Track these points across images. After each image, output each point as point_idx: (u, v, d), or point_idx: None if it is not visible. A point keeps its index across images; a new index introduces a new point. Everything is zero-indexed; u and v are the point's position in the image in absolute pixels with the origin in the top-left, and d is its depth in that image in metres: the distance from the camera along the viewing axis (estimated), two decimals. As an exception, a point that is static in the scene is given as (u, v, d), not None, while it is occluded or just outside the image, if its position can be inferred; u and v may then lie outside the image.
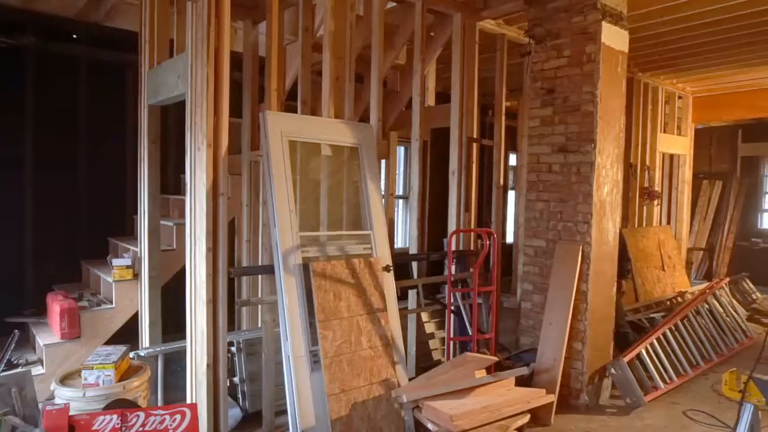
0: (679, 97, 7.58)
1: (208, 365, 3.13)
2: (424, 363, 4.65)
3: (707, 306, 5.48)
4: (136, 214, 4.52)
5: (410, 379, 3.66)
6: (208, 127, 3.11)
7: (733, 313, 5.82)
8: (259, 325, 4.07)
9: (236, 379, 3.84)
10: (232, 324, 4.69)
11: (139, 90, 4.22)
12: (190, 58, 3.20)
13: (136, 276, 4.21)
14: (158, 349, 3.69)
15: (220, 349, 3.17)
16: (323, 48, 3.76)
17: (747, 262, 8.58)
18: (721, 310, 5.61)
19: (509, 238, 7.65)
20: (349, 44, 3.82)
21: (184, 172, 3.42)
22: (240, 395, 3.84)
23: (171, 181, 5.35)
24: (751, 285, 7.78)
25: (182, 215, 3.88)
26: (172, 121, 5.08)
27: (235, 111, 4.41)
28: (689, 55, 5.82)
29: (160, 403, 3.58)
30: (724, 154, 9.42)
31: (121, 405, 2.77)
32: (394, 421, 3.35)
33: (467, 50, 4.55)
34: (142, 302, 4.12)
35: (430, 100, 5.36)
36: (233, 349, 3.87)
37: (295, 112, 3.99)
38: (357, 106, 4.73)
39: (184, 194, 3.54)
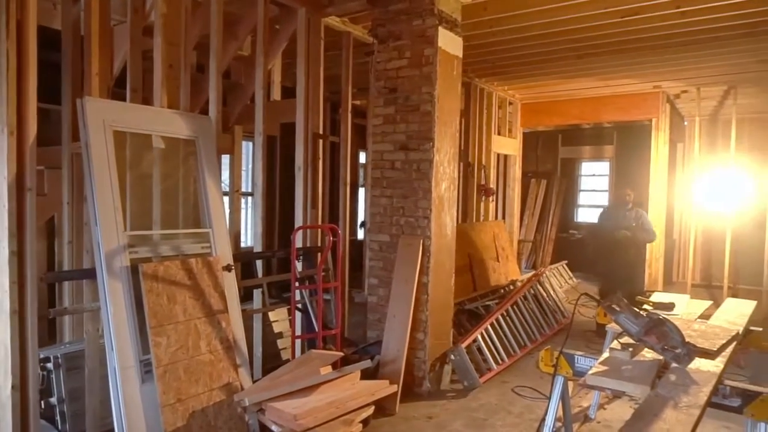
0: (510, 103, 8.32)
1: (13, 387, 2.72)
2: (273, 363, 4.54)
3: (533, 292, 6.09)
4: None
5: (255, 381, 3.54)
6: (9, 112, 2.70)
7: (554, 296, 6.54)
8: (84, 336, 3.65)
9: (53, 400, 3.39)
10: (53, 337, 4.16)
11: None
12: (-15, 30, 2.75)
13: None
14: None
15: (29, 367, 2.78)
16: (154, 32, 3.48)
17: (566, 251, 9.71)
18: (544, 294, 6.27)
19: (360, 235, 7.81)
20: (185, 30, 3.57)
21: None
22: (59, 417, 3.40)
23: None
24: (569, 271, 8.83)
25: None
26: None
27: (56, 97, 3.92)
28: (517, 64, 6.39)
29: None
30: (548, 156, 10.55)
31: None
32: (237, 426, 3.21)
33: (312, 46, 4.52)
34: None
35: (277, 95, 5.24)
36: (50, 365, 3.41)
37: (125, 100, 3.63)
38: (198, 98, 4.46)
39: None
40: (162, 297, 3.04)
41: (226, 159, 5.48)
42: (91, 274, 3.02)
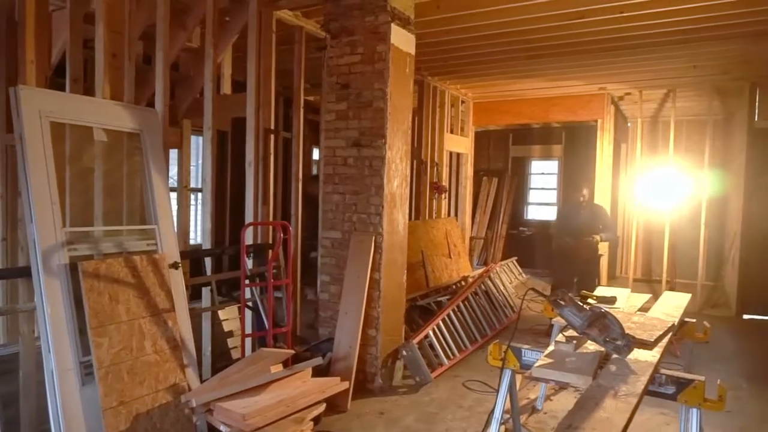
0: (462, 102, 8.44)
1: (-61, 392, 2.56)
2: (224, 363, 4.45)
3: (484, 288, 6.20)
4: None
5: (204, 381, 3.46)
6: (-67, 101, 2.53)
7: (504, 291, 6.69)
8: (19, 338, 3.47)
9: (-16, 406, 3.21)
10: (-15, 340, 3.94)
11: None
12: None
13: None
14: None
15: (-45, 372, 2.61)
16: (96, 20, 3.33)
17: (516, 248, 9.94)
18: (494, 290, 6.40)
19: (314, 232, 7.74)
20: (129, 18, 3.44)
21: None
22: (-9, 423, 3.22)
23: None
24: (519, 267, 9.05)
25: None
26: None
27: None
28: (469, 63, 6.48)
29: None
30: (499, 154, 10.76)
31: None
32: (185, 428, 3.13)
33: (264, 39, 4.44)
34: None
35: (227, 88, 5.12)
36: (-21, 370, 3.23)
37: (65, 90, 3.47)
38: (144, 90, 4.32)
39: None
40: (104, 296, 2.93)
41: (174, 154, 5.33)
42: (26, 272, 2.87)
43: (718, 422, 3.54)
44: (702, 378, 2.26)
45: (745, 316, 6.98)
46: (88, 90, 3.57)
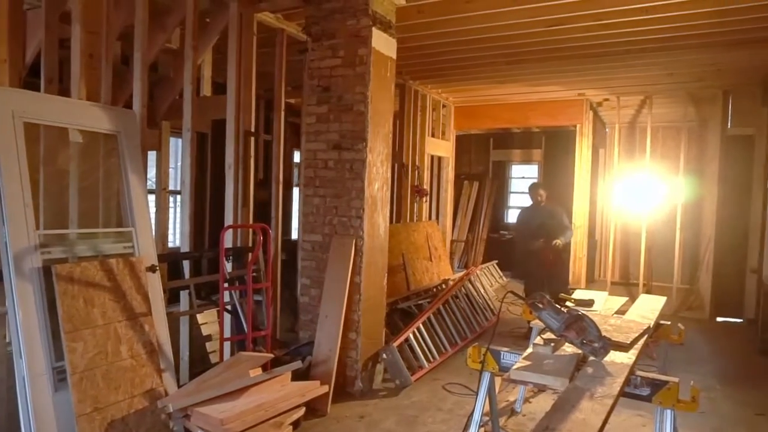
0: (444, 106, 8.49)
1: None
2: (202, 367, 4.40)
3: (464, 291, 6.23)
4: None
5: (181, 386, 3.42)
6: None
7: (485, 294, 6.73)
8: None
9: (-46, 412, 3.13)
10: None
11: None
12: None
13: None
14: None
15: None
16: (72, 19, 3.28)
17: (497, 251, 10.00)
18: (474, 293, 6.43)
19: (295, 235, 7.70)
20: (106, 18, 3.39)
21: None
22: (-40, 431, 3.14)
23: None
24: (499, 270, 9.11)
25: None
26: None
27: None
28: (450, 68, 6.52)
29: None
30: (480, 158, 10.85)
31: None
32: (161, 433, 3.09)
33: (245, 41, 4.41)
34: None
35: (207, 90, 5.08)
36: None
37: (40, 90, 3.41)
38: (123, 91, 4.26)
39: None
40: (78, 300, 2.87)
41: (153, 156, 5.26)
42: (-2, 275, 2.81)
43: (692, 423, 3.60)
44: (676, 380, 2.31)
45: (719, 319, 7.13)
46: (64, 91, 3.51)
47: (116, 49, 4.31)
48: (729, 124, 7.20)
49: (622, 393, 2.21)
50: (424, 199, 7.72)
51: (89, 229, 3.22)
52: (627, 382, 2.28)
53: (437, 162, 8.61)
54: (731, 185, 7.17)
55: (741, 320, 6.92)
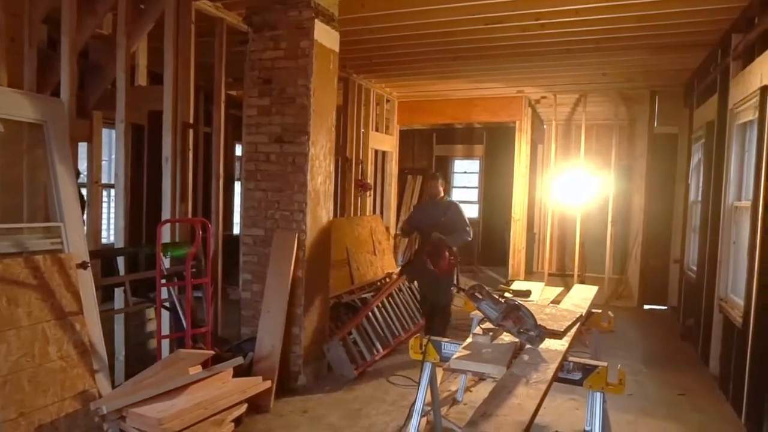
0: (387, 101, 8.52)
1: None
2: (142, 366, 4.25)
3: (407, 284, 6.30)
4: None
5: (116, 387, 3.29)
6: None
7: (428, 288, 6.81)
8: None
9: None
10: None
11: None
12: None
13: None
14: None
15: None
16: (-9, 0, 3.07)
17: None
18: (417, 286, 6.50)
19: (237, 230, 7.53)
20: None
21: None
22: None
23: None
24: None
25: None
26: None
27: None
28: (394, 63, 6.55)
29: None
30: (424, 153, 10.97)
31: None
32: (94, 437, 2.96)
33: (182, 29, 4.27)
34: None
35: (142, 80, 4.88)
36: None
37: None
38: (49, 78, 4.02)
39: None
40: (1, 299, 2.71)
41: (84, 147, 5.00)
42: None
43: (621, 405, 3.80)
44: (605, 364, 2.43)
45: (646, 306, 7.56)
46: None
47: (41, 32, 4.06)
48: (656, 122, 7.62)
49: (556, 378, 2.31)
50: (368, 194, 7.73)
51: (12, 224, 3.04)
52: (560, 367, 2.39)
53: (381, 156, 8.64)
54: (657, 181, 7.60)
55: (665, 307, 7.37)
